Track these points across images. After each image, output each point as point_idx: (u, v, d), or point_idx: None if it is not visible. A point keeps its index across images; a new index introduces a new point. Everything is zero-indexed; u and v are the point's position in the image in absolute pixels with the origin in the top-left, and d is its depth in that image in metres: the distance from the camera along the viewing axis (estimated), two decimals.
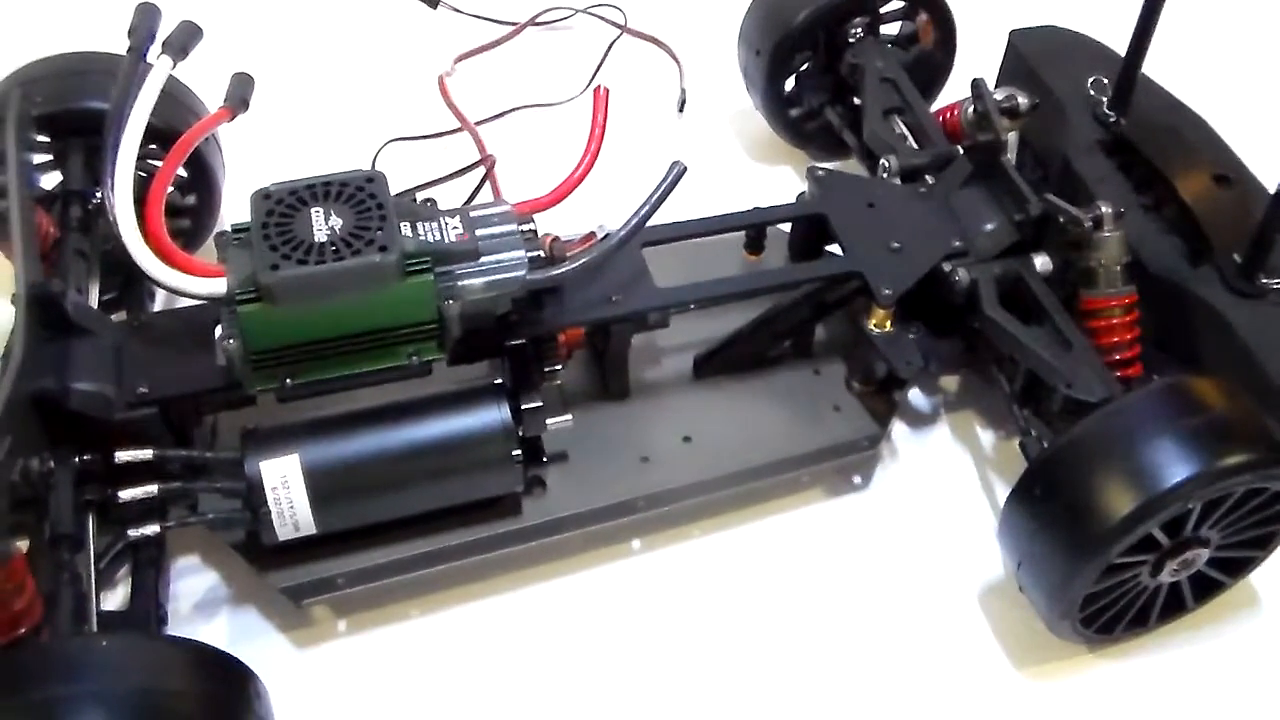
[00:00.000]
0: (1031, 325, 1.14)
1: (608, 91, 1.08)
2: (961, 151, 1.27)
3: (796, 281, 1.17)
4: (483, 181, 1.40)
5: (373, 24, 1.71)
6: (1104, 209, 1.13)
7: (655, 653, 1.10)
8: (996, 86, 1.35)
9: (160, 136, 1.12)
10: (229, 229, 1.00)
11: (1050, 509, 1.01)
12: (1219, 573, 1.08)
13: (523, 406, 1.05)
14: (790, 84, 1.47)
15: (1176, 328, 1.19)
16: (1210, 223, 1.21)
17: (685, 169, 1.05)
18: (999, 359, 1.17)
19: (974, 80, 1.27)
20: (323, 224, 0.96)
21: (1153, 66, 1.30)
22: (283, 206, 0.97)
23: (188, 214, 1.29)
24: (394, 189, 1.01)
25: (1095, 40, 1.44)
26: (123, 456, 0.99)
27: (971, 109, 1.30)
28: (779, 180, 1.52)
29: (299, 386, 1.00)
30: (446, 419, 1.04)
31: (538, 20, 1.70)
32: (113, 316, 1.10)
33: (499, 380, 1.07)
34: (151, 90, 1.04)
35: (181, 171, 1.21)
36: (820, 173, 1.24)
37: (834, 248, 1.20)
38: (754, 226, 1.23)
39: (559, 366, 1.09)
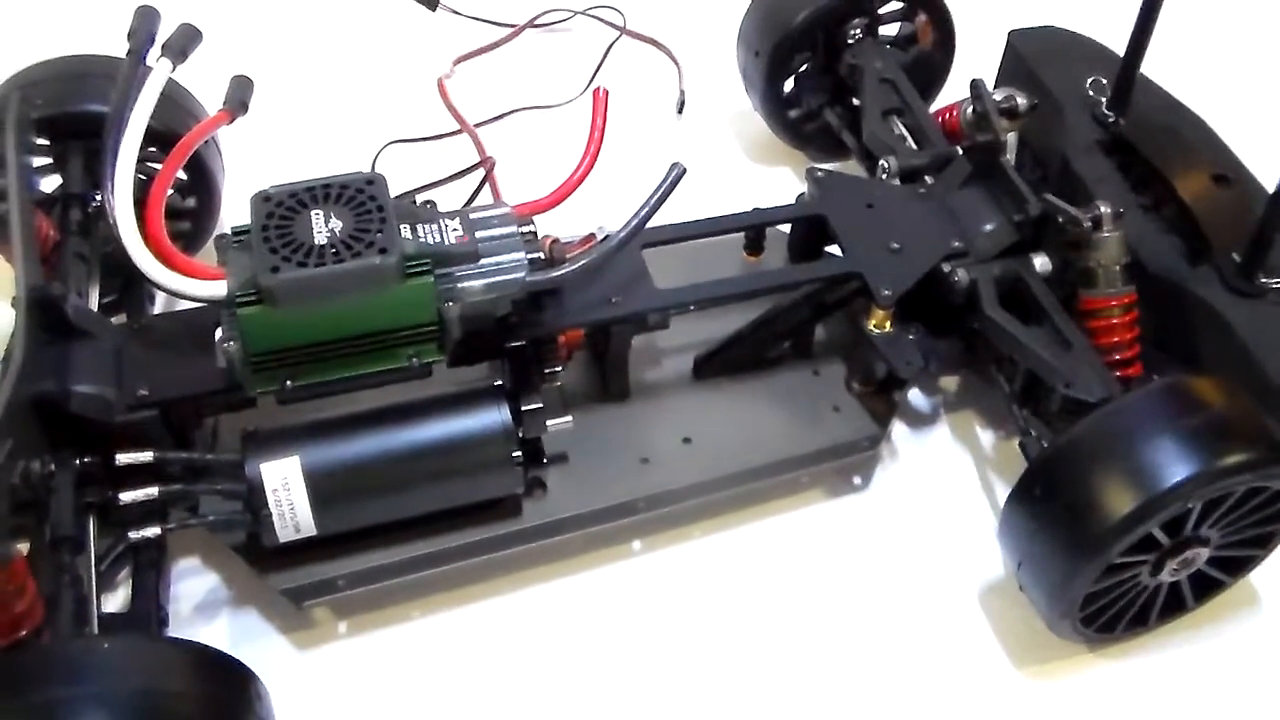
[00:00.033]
0: (1031, 325, 1.14)
1: (607, 93, 1.08)
2: (960, 152, 1.27)
3: (796, 282, 1.18)
4: (482, 183, 1.40)
5: (372, 26, 1.71)
6: (1103, 209, 1.13)
7: (656, 653, 1.10)
8: (995, 87, 1.35)
9: (160, 139, 1.12)
10: (229, 231, 1.00)
11: (1050, 509, 1.01)
12: (1219, 572, 1.08)
13: (523, 408, 1.05)
14: (789, 85, 1.47)
15: (1176, 327, 1.19)
16: (1209, 222, 1.21)
17: (685, 170, 1.05)
18: (998, 359, 1.17)
19: (973, 81, 1.27)
20: (323, 226, 0.96)
21: (1151, 67, 1.30)
22: (283, 209, 0.97)
23: (187, 217, 1.29)
24: (394, 191, 1.01)
25: (1094, 40, 1.44)
26: (123, 459, 0.99)
27: (970, 109, 1.30)
28: (778, 181, 1.52)
29: (299, 388, 1.00)
30: (447, 421, 1.04)
31: (537, 22, 1.70)
32: (113, 319, 1.11)
33: (499, 382, 1.07)
34: (151, 93, 1.04)
35: (181, 174, 1.22)
36: (819, 174, 1.24)
37: (833, 249, 1.20)
38: (753, 227, 1.23)
39: (559, 368, 1.09)
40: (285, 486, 0.99)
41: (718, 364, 1.21)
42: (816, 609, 1.13)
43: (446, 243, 1.00)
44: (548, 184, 1.08)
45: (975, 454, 1.26)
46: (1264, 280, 1.17)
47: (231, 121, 1.09)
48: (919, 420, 1.28)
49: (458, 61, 1.62)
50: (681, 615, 1.12)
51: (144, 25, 1.08)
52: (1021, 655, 1.11)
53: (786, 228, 1.25)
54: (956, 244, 1.18)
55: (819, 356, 1.24)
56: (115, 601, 1.07)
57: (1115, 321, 1.15)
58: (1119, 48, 1.29)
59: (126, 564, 1.06)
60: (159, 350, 1.05)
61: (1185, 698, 1.09)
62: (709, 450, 1.15)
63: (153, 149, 1.15)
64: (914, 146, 1.30)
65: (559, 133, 1.52)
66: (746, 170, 1.55)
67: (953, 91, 1.44)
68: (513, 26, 1.68)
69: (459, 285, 1.00)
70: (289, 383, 0.99)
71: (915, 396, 1.30)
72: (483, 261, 1.01)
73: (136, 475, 0.99)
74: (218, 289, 0.96)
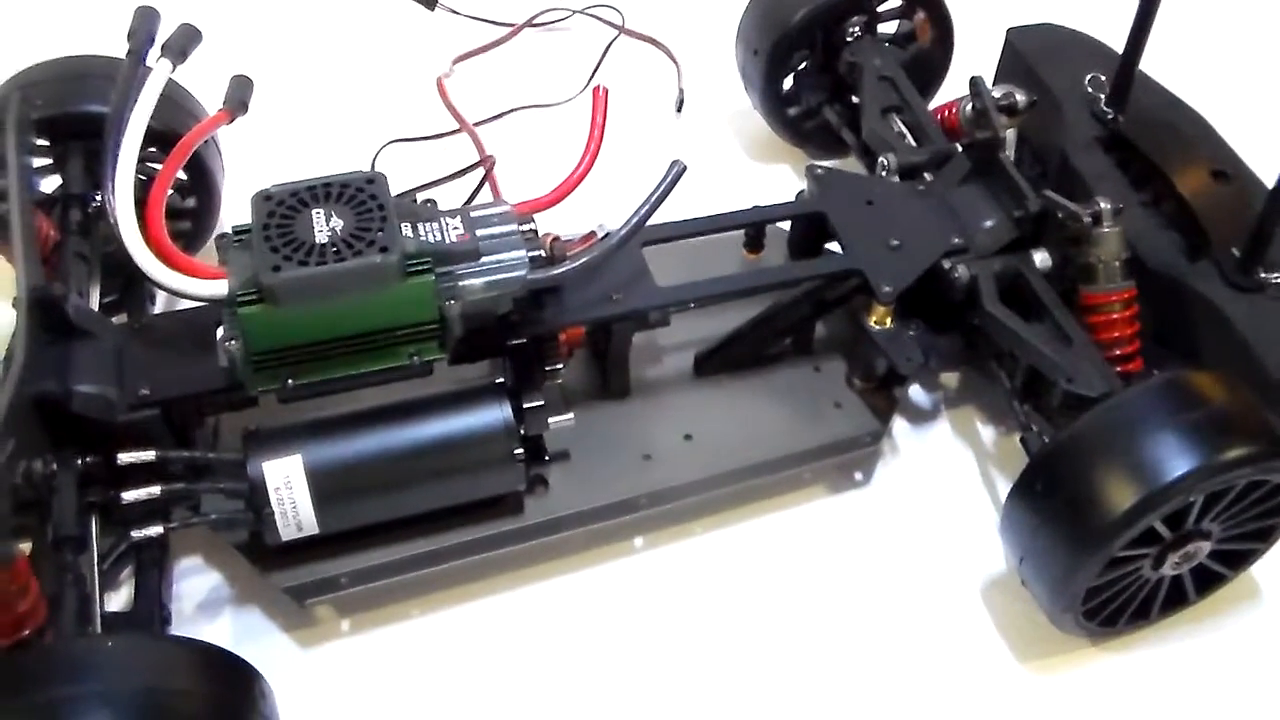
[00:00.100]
0: (1031, 321, 1.14)
1: (607, 91, 1.08)
2: (960, 149, 1.27)
3: (796, 279, 1.18)
4: (482, 182, 1.40)
5: (371, 26, 1.72)
6: (1102, 205, 1.13)
7: (658, 650, 1.10)
8: (994, 84, 1.36)
9: (160, 139, 1.13)
10: (230, 231, 1.00)
11: (1052, 504, 1.01)
12: (1220, 565, 1.08)
13: (524, 405, 1.05)
14: (788, 83, 1.47)
15: (1176, 322, 1.20)
16: (1208, 218, 1.21)
17: (684, 168, 1.06)
18: (999, 355, 1.17)
19: (972, 78, 1.27)
20: (324, 225, 0.96)
21: (1150, 63, 1.30)
22: (284, 208, 0.97)
23: (188, 216, 1.29)
24: (394, 190, 1.01)
25: (1093, 37, 1.44)
26: (125, 458, 0.99)
27: (970, 106, 1.31)
28: (778, 179, 1.52)
29: (300, 387, 1.00)
30: (448, 418, 1.04)
31: (535, 21, 1.70)
32: (114, 319, 1.11)
33: (500, 379, 1.07)
34: (151, 93, 1.04)
35: (181, 174, 1.22)
36: (819, 171, 1.24)
37: (833, 245, 1.21)
38: (753, 225, 1.23)
39: (560, 365, 1.09)
40: (287, 485, 0.99)
41: (718, 361, 1.21)
42: (819, 605, 1.13)
43: (447, 241, 1.00)
44: (548, 182, 1.08)
45: (976, 450, 1.26)
46: (1263, 275, 1.17)
47: (231, 121, 1.09)
48: (920, 416, 1.28)
49: (457, 61, 1.63)
50: (684, 612, 1.13)
51: (144, 25, 1.08)
52: (1024, 649, 1.11)
53: (786, 225, 1.25)
54: (956, 240, 1.18)
55: (820, 353, 1.24)
56: (118, 601, 1.07)
57: (1115, 317, 1.15)
58: (1117, 44, 1.30)
59: (129, 563, 1.06)
60: (160, 350, 1.05)
61: (1188, 691, 1.09)
62: (710, 447, 1.15)
63: (153, 149, 1.15)
64: (913, 144, 1.30)
65: (559, 131, 1.52)
66: (746, 168, 1.55)
67: (952, 89, 1.44)
68: (511, 26, 1.68)
69: (460, 283, 1.00)
70: (290, 381, 0.99)
71: (916, 392, 1.30)
72: (483, 260, 1.01)
73: (138, 474, 1.00)
74: (219, 288, 0.96)
